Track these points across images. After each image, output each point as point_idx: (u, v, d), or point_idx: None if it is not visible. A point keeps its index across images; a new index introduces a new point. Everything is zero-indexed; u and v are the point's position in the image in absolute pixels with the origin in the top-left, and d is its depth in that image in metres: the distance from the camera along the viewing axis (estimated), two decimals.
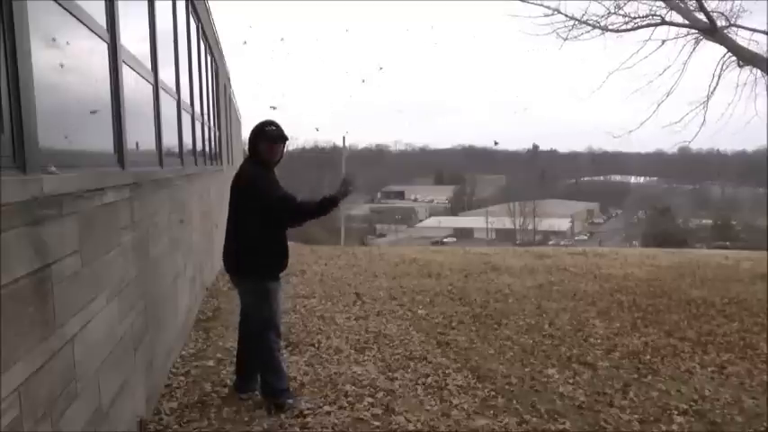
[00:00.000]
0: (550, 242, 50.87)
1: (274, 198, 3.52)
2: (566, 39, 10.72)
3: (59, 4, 2.16)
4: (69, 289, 2.10)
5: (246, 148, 3.72)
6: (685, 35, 10.31)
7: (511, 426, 3.54)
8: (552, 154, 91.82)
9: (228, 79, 12.17)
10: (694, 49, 10.40)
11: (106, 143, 2.86)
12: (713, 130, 11.76)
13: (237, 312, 4.06)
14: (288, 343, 4.84)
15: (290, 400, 3.69)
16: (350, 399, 3.86)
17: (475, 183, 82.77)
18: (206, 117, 7.62)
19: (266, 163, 3.64)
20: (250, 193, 3.54)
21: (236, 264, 3.68)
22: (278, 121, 3.68)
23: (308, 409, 3.67)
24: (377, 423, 3.53)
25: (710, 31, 9.71)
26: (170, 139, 4.68)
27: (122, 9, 3.00)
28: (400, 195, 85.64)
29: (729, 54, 10.07)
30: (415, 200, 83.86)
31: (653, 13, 10.34)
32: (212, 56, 8.60)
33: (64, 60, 2.30)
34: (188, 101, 5.85)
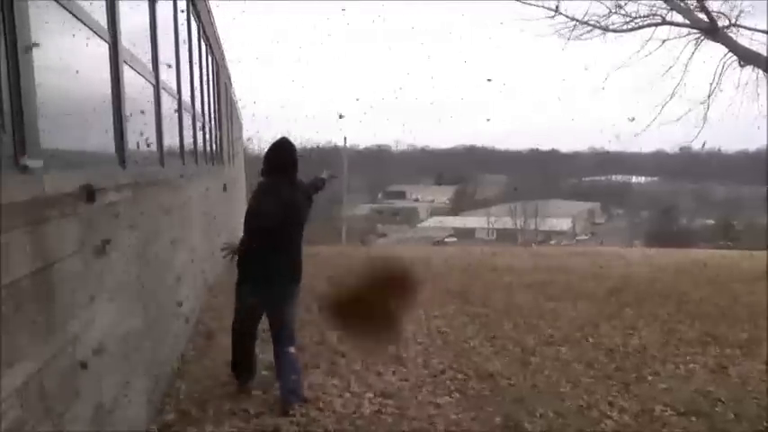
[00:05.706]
0: (552, 242, 50.76)
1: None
2: (568, 39, 10.77)
3: (60, 4, 2.16)
4: (70, 289, 2.10)
5: (290, 170, 3.83)
6: (686, 35, 10.33)
7: (511, 426, 3.54)
8: (553, 154, 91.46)
9: (229, 79, 12.18)
10: (696, 49, 10.41)
11: (107, 143, 2.86)
12: (714, 130, 11.74)
13: None
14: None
15: (302, 402, 3.71)
16: (352, 398, 3.87)
17: (476, 183, 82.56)
18: (207, 117, 7.63)
19: None
20: (306, 213, 3.95)
21: (299, 274, 3.89)
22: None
23: (314, 408, 3.68)
24: (378, 422, 3.54)
25: (711, 31, 9.72)
26: (171, 139, 4.69)
27: (123, 9, 3.00)
28: (401, 195, 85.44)
29: (730, 54, 10.07)
30: (417, 200, 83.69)
31: (653, 12, 10.36)
32: (213, 56, 8.61)
33: (65, 60, 2.30)
34: (189, 101, 5.86)
